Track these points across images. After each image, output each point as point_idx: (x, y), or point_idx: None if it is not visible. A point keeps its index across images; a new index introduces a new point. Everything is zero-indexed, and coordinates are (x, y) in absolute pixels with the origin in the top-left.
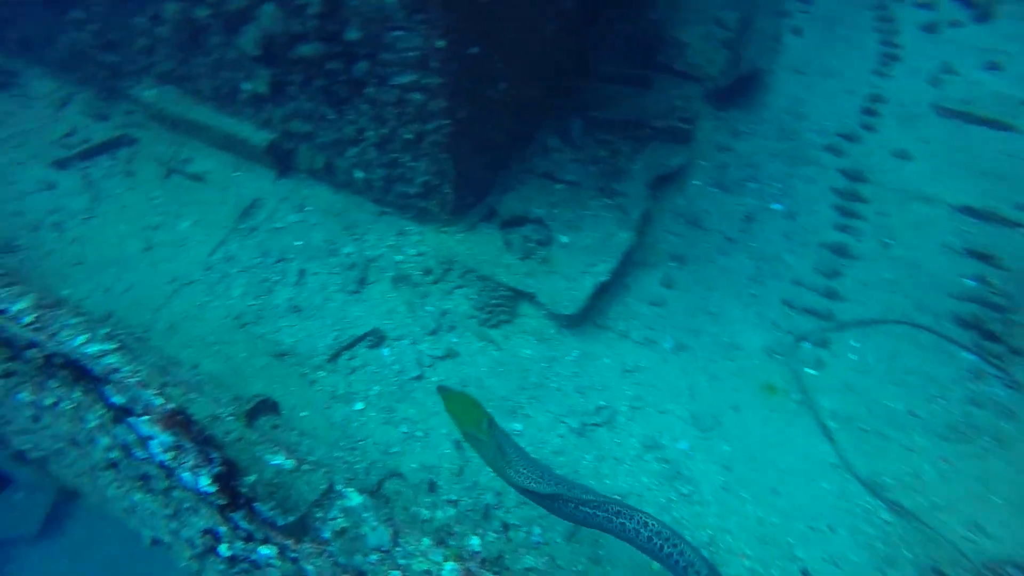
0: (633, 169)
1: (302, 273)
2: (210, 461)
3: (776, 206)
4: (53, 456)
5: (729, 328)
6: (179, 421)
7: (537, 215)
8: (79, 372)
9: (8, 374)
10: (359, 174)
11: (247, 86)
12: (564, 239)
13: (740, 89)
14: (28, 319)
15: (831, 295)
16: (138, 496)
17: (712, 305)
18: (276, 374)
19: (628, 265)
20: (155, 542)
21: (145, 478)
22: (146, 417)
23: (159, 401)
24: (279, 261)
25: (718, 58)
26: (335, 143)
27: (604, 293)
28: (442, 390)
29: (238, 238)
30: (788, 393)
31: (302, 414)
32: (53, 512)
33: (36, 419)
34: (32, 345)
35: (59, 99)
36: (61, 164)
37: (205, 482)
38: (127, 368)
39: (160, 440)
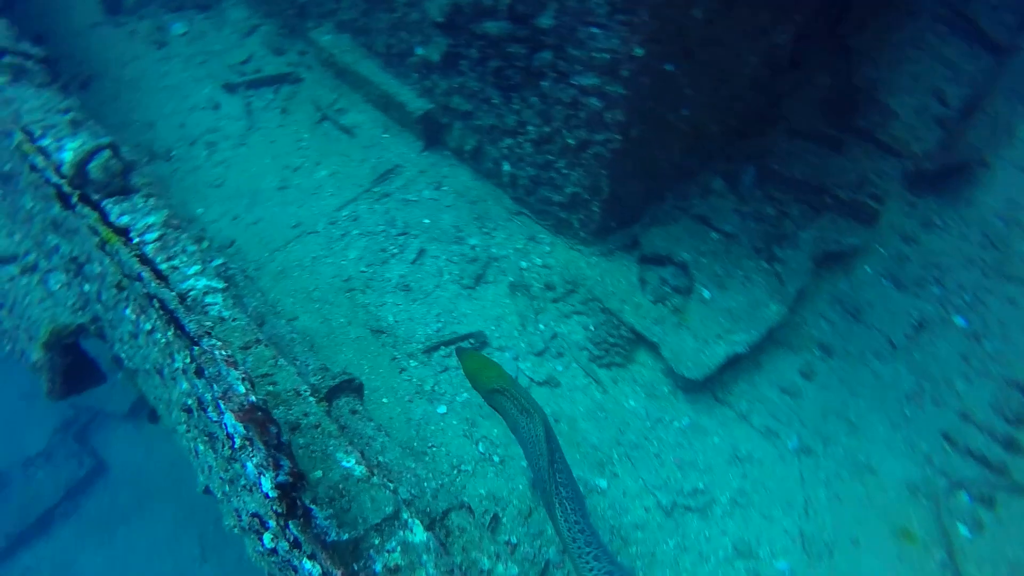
0: (800, 237)
1: (421, 253)
2: (278, 467)
3: (959, 320)
4: (142, 374)
5: (868, 446)
6: (257, 419)
7: (682, 259)
8: (174, 321)
9: (120, 287)
10: (507, 167)
11: (420, 51)
12: (706, 293)
13: (946, 176)
14: (153, 235)
15: (1010, 446)
16: (202, 448)
17: (853, 413)
18: (368, 350)
19: (768, 340)
20: (207, 491)
21: (212, 437)
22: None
23: (241, 389)
24: (402, 234)
25: (928, 136)
26: (491, 129)
27: (734, 364)
28: (460, 351)
29: (369, 200)
30: (928, 548)
31: (383, 400)
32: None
33: (134, 336)
34: (138, 278)
35: (246, 28)
36: (230, 88)
37: (267, 485)
38: (227, 312)
39: (234, 424)
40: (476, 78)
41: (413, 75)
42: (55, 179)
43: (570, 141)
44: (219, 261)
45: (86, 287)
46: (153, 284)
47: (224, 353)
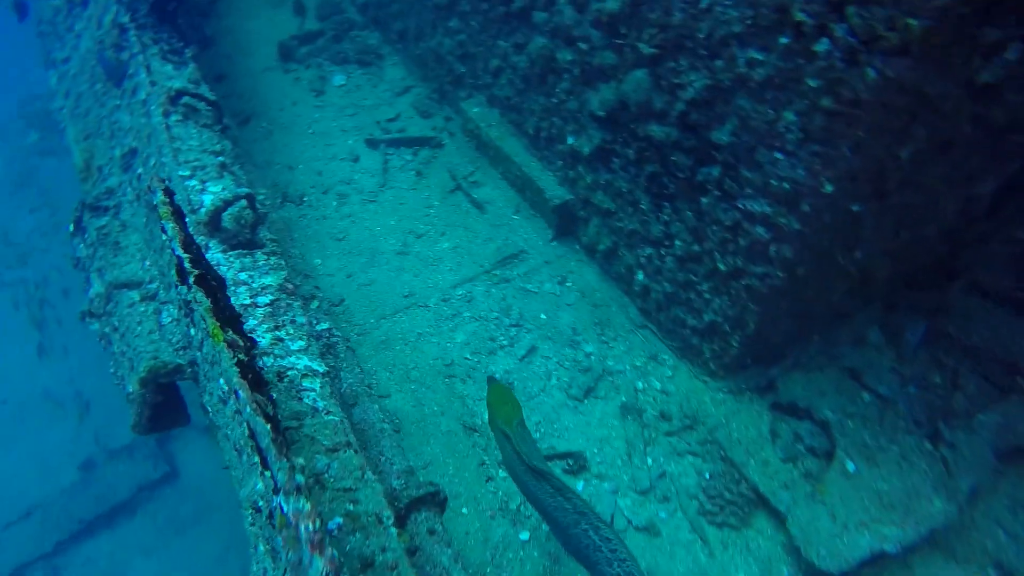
0: (977, 420)
1: (532, 350)
2: None
3: None
4: (223, 438)
5: None
6: (330, 558)
7: (824, 416)
8: (261, 457)
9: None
10: (640, 276)
11: (571, 140)
12: (850, 465)
13: None
14: (266, 300)
15: None
16: (262, 549)
17: None
18: (457, 448)
19: (926, 542)
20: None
21: (275, 553)
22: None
23: (312, 528)
24: (515, 326)
25: None
26: (631, 234)
27: (878, 563)
28: (491, 380)
29: (487, 282)
30: None
31: (463, 509)
32: None
33: (223, 401)
34: (235, 395)
35: (400, 87)
36: (372, 143)
37: None
38: (321, 403)
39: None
40: (627, 179)
41: (558, 162)
42: (179, 251)
43: (721, 266)
44: (325, 325)
45: (192, 331)
46: (248, 409)
47: (310, 529)
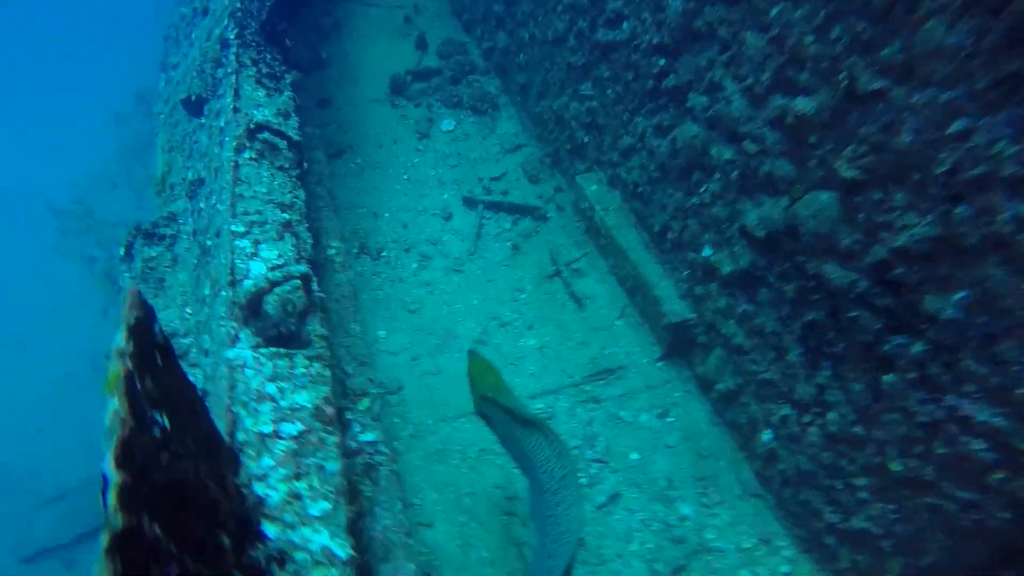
0: None
1: (614, 498)
2: None
3: None
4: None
5: None
6: None
7: None
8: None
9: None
10: (767, 437)
11: (708, 252)
12: None
13: None
14: (293, 429)
15: None
16: None
17: None
18: None
19: None
20: None
21: None
22: None
23: None
24: (598, 461)
25: None
26: (766, 384)
27: None
28: (472, 353)
29: (573, 398)
30: None
31: None
32: None
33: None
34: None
35: (511, 144)
36: (469, 203)
37: None
38: None
39: None
40: (775, 319)
41: (684, 271)
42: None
43: (895, 467)
44: (371, 437)
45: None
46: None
47: None
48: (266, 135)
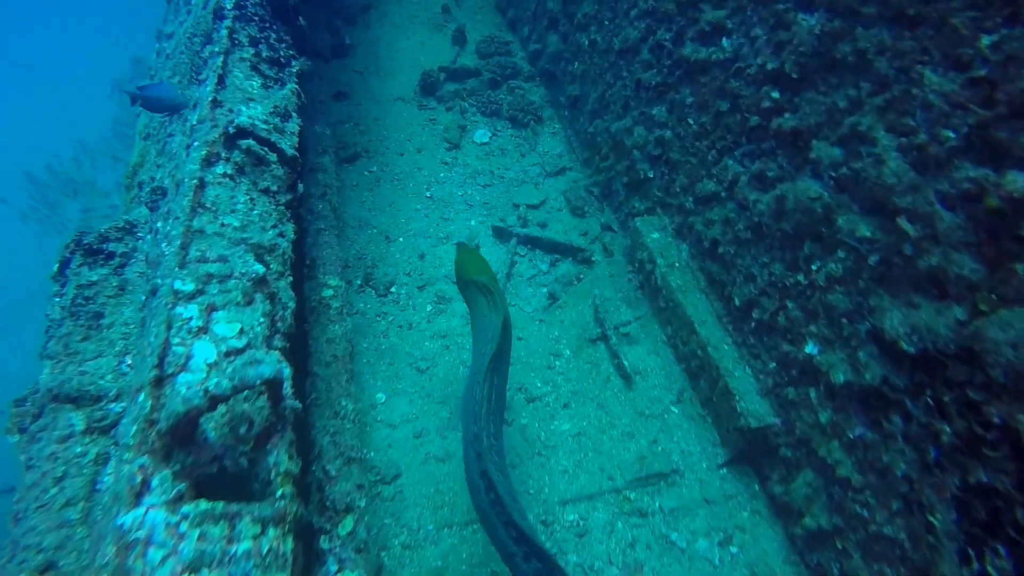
0: None
1: None
2: None
3: None
4: None
5: None
6: None
7: None
8: None
9: None
10: None
11: (812, 349)
12: None
13: None
14: None
15: None
16: None
17: None
18: None
19: None
20: None
21: None
22: None
23: None
24: None
25: None
26: (884, 541)
27: None
28: (460, 245)
29: (612, 507)
30: None
31: None
32: None
33: None
34: None
35: (554, 166)
36: (500, 234)
37: None
38: None
39: None
40: (913, 462)
41: (769, 364)
42: None
43: None
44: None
45: None
46: None
47: None
48: (250, 143)
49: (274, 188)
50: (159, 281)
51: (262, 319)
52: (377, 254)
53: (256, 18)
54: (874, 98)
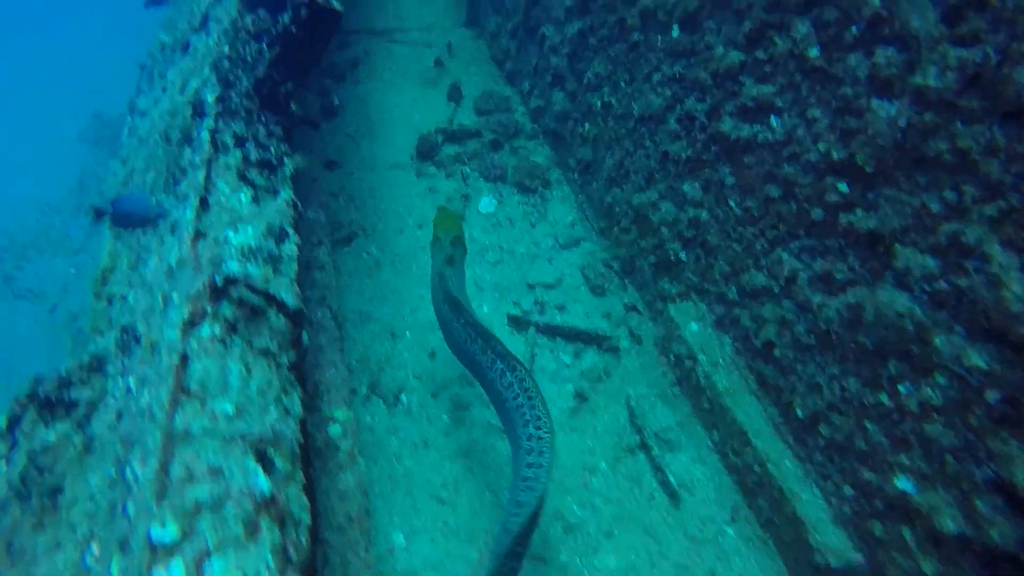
0: None
1: None
2: None
3: None
4: None
5: None
6: None
7: None
8: None
9: None
10: None
11: (905, 485)
12: None
13: None
14: None
15: None
16: None
17: None
18: None
19: None
20: None
21: None
22: None
23: None
24: None
25: None
26: None
27: None
28: (442, 209)
29: None
30: None
31: None
32: None
33: None
34: None
35: (567, 237)
36: (517, 323)
37: None
38: None
39: None
40: None
41: (846, 488)
42: None
43: None
44: None
45: None
46: None
47: None
48: (243, 294)
49: (274, 347)
50: (127, 520)
51: (270, 559)
52: (383, 355)
53: (242, 111)
54: (983, 206)
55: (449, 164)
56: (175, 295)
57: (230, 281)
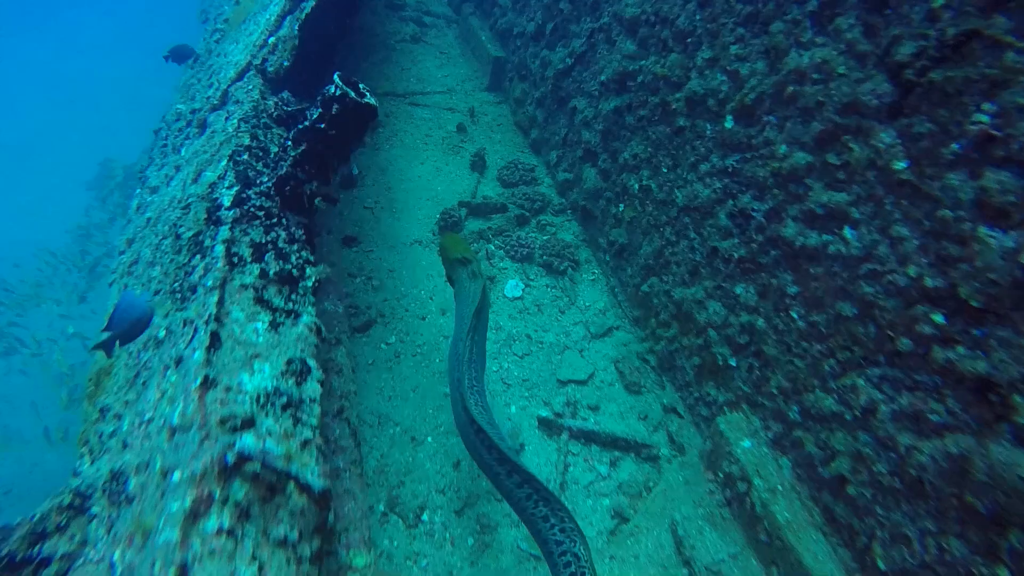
0: None
1: None
2: None
3: None
4: None
5: None
6: None
7: None
8: None
9: None
10: None
11: None
12: None
13: None
14: None
15: None
16: None
17: None
18: None
19: None
20: None
21: None
22: None
23: None
24: None
25: None
26: None
27: None
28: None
29: None
30: None
31: None
32: None
33: None
34: None
35: (599, 325)
36: (548, 426)
37: None
38: None
39: None
40: None
41: None
42: None
43: None
44: None
45: None
46: None
47: None
48: (257, 469)
49: (294, 536)
50: None
51: None
52: (402, 465)
53: (262, 214)
54: None
55: (473, 242)
56: (177, 473)
57: (244, 458)
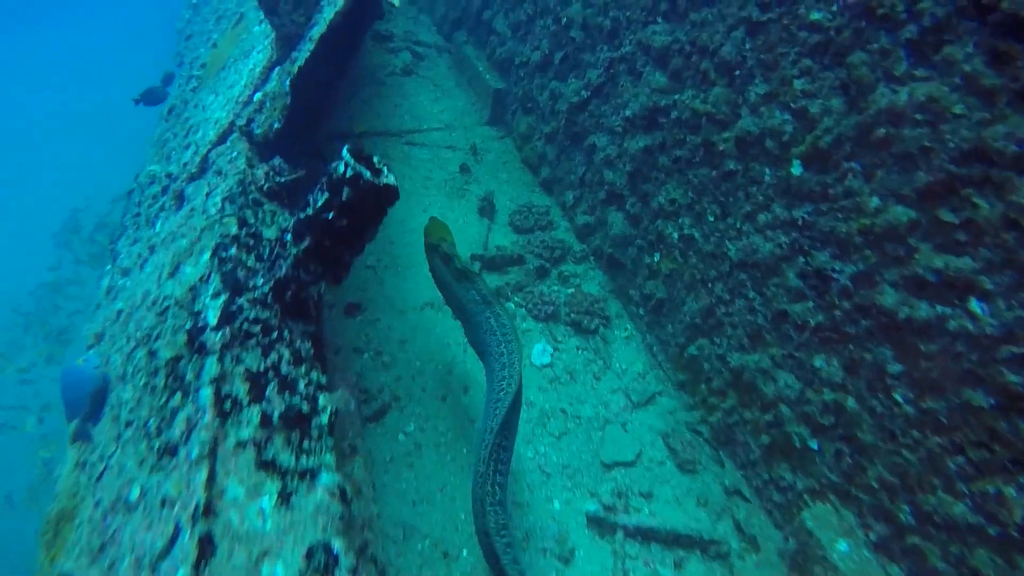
0: None
1: None
2: None
3: None
4: None
5: None
6: None
7: None
8: None
9: None
10: None
11: None
12: None
13: None
14: None
15: None
16: None
17: None
18: None
19: None
20: None
21: None
22: None
23: None
24: None
25: None
26: None
27: None
28: (432, 219)
29: None
30: None
31: None
32: None
33: None
34: None
35: (641, 394)
36: (599, 524)
37: None
38: None
39: None
40: None
41: None
42: None
43: None
44: None
45: None
46: None
47: None
48: None
49: None
50: None
51: None
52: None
53: (258, 330)
54: None
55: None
56: None
57: None
